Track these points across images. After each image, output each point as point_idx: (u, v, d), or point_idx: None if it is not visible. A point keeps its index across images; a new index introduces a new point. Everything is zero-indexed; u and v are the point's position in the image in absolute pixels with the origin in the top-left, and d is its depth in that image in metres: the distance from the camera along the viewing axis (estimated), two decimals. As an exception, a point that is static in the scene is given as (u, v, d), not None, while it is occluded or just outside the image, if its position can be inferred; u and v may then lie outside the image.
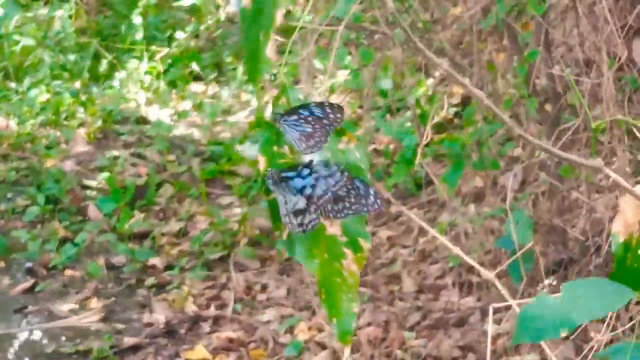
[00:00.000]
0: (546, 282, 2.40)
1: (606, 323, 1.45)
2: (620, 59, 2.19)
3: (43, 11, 5.38)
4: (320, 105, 1.11)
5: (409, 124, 4.17)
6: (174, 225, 3.86)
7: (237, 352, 3.10)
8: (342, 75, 4.67)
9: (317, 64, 4.56)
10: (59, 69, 5.03)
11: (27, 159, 4.33)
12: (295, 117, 1.11)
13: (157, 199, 4.04)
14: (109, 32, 5.36)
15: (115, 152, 4.41)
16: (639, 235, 1.08)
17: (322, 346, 3.03)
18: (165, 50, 5.15)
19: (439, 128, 3.98)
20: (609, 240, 2.26)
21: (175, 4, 5.43)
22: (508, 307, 1.14)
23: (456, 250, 1.21)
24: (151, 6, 5.37)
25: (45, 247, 3.71)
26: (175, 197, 4.07)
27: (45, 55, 5.04)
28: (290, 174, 1.08)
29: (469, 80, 2.79)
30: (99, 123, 4.66)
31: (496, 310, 2.72)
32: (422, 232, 3.52)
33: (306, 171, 1.07)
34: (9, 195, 4.08)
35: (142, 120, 4.76)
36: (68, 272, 3.61)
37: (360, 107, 4.45)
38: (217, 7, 5.30)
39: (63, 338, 3.21)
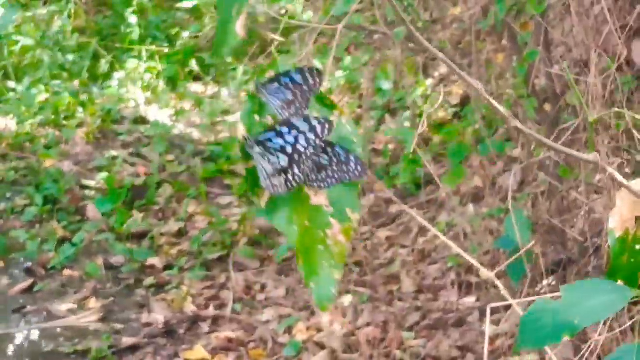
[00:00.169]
0: (545, 282, 2.40)
1: (605, 323, 1.45)
2: (619, 58, 2.19)
3: (42, 11, 5.37)
4: (300, 70, 1.11)
5: (408, 123, 4.17)
6: (173, 225, 3.86)
7: (236, 352, 3.10)
8: (342, 76, 4.67)
9: (317, 63, 4.56)
10: (58, 69, 5.02)
11: (26, 159, 4.32)
12: (276, 84, 1.11)
13: (156, 199, 4.04)
14: (108, 31, 5.36)
15: (114, 152, 4.41)
16: (635, 231, 1.08)
17: (321, 346, 3.03)
18: (165, 50, 5.14)
19: (438, 128, 3.98)
20: (607, 241, 2.26)
21: (176, 4, 5.43)
22: (507, 308, 1.13)
23: (458, 249, 1.20)
24: (149, 6, 5.37)
25: (44, 247, 3.71)
26: (174, 197, 4.06)
27: (44, 55, 5.03)
28: (269, 134, 1.07)
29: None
30: (98, 123, 4.66)
31: (495, 311, 2.72)
32: (421, 232, 3.52)
33: (285, 129, 1.06)
34: (8, 195, 4.08)
35: (141, 120, 4.75)
36: (67, 272, 3.61)
37: (360, 107, 4.45)
38: (216, 7, 5.30)
39: (61, 338, 3.21)
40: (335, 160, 1.07)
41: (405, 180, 3.75)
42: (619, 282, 1.06)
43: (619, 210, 1.11)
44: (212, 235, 3.73)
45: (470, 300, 3.13)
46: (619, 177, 1.11)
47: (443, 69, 4.07)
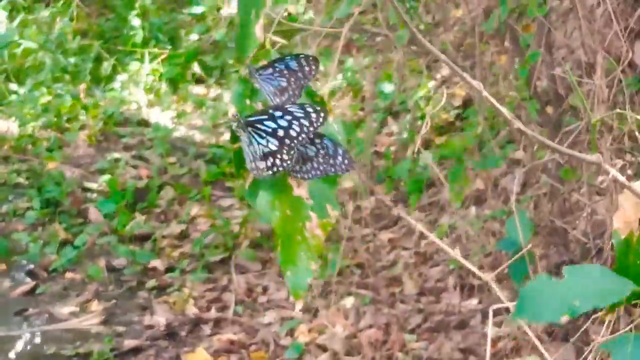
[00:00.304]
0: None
1: (606, 324, 1.45)
2: (623, 61, 2.19)
3: (44, 13, 5.38)
4: (296, 57, 1.10)
5: (409, 126, 4.16)
6: (175, 228, 3.86)
7: (238, 354, 3.10)
8: (343, 78, 4.67)
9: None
10: (60, 72, 5.03)
11: (28, 162, 4.32)
12: (270, 70, 1.10)
13: (158, 201, 4.04)
14: (111, 34, 5.37)
15: (116, 155, 4.41)
16: (639, 232, 1.08)
17: (323, 348, 3.03)
18: (167, 52, 5.15)
19: (441, 130, 3.98)
20: (610, 242, 2.26)
21: (183, 10, 5.44)
22: (509, 310, 1.13)
23: (453, 254, 1.20)
24: (151, 8, 5.37)
25: (46, 250, 3.71)
26: (176, 199, 4.06)
27: (46, 57, 5.04)
28: (261, 117, 1.06)
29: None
30: (100, 125, 4.66)
31: (497, 313, 2.72)
32: (423, 234, 3.51)
33: (279, 113, 1.05)
34: (10, 197, 4.08)
35: (144, 123, 4.76)
36: (69, 274, 3.61)
37: (362, 109, 4.45)
38: (218, 9, 5.30)
39: (63, 341, 3.21)
40: (322, 152, 1.06)
41: (402, 175, 3.75)
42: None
43: (623, 212, 1.11)
44: (214, 238, 3.73)
45: (472, 302, 3.13)
46: (622, 179, 1.11)
47: (445, 71, 4.07)
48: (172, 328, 3.25)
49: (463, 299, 3.15)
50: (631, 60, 2.26)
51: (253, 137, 1.04)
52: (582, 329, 1.62)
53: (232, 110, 1.08)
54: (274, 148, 1.04)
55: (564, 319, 0.98)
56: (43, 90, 4.81)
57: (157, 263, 3.64)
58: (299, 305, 1.09)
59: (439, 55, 1.14)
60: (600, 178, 2.56)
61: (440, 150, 3.79)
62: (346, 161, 1.06)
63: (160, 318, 3.29)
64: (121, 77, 5.07)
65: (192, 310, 3.34)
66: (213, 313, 3.32)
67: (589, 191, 2.50)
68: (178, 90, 5.03)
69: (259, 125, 1.05)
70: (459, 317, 3.08)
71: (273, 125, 1.04)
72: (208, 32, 5.27)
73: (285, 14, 4.71)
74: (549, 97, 2.68)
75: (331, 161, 1.06)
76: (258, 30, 1.08)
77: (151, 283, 3.53)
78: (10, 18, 5.26)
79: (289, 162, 1.04)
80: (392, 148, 4.08)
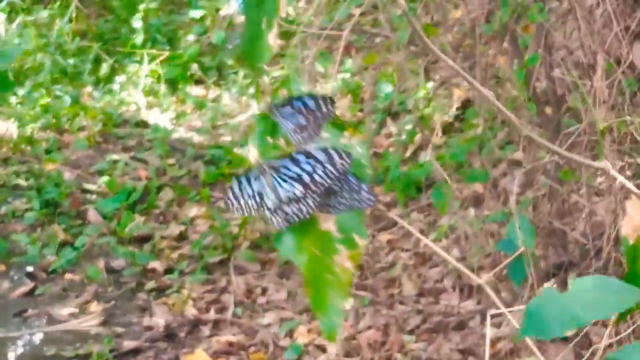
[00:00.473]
0: (546, 285, 2.40)
1: (608, 328, 1.44)
2: (625, 62, 2.19)
3: (43, 14, 5.37)
4: (313, 97, 1.10)
5: (408, 126, 4.17)
6: (174, 229, 3.86)
7: (237, 355, 3.10)
8: (343, 78, 4.67)
9: (319, 67, 4.56)
10: (59, 73, 5.03)
11: (27, 163, 4.32)
12: (289, 108, 1.10)
13: (157, 203, 4.04)
14: (110, 35, 5.36)
15: (115, 156, 4.41)
16: None
17: (322, 349, 3.03)
18: (166, 53, 5.14)
19: (438, 131, 3.97)
20: (609, 244, 2.26)
21: (182, 12, 5.44)
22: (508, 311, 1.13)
23: (447, 257, 1.20)
24: (151, 10, 5.37)
25: (45, 251, 3.71)
26: (175, 200, 4.06)
27: (45, 58, 5.04)
28: (285, 162, 1.06)
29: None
30: (99, 127, 4.66)
31: (496, 314, 2.71)
32: (422, 235, 3.51)
33: (303, 157, 1.05)
34: (9, 198, 4.08)
35: (143, 124, 4.76)
36: (68, 275, 3.61)
37: (361, 110, 4.45)
38: (217, 9, 5.30)
39: (63, 342, 3.21)
40: (346, 187, 1.06)
41: (395, 174, 3.74)
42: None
43: (631, 218, 1.11)
44: (213, 239, 3.73)
45: (471, 303, 3.13)
46: (630, 186, 1.11)
47: (444, 72, 4.06)
48: (171, 329, 3.25)
49: (462, 300, 3.15)
50: (631, 61, 2.26)
51: (277, 182, 1.04)
52: (583, 331, 1.62)
53: (254, 152, 1.08)
54: (298, 194, 1.04)
55: (571, 331, 0.98)
56: (42, 92, 4.81)
57: (156, 264, 3.64)
58: (334, 349, 1.09)
59: (446, 60, 1.14)
60: (599, 179, 2.56)
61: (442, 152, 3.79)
62: (370, 197, 1.07)
63: (159, 319, 3.29)
64: (120, 78, 5.07)
65: (191, 311, 3.34)
66: (212, 314, 3.32)
67: (587, 192, 2.50)
68: (177, 91, 5.03)
69: (283, 170, 1.05)
70: (458, 318, 3.08)
71: (297, 170, 1.05)
72: (206, 33, 5.26)
73: (284, 15, 4.71)
74: (547, 97, 2.68)
75: (355, 196, 1.06)
76: (271, 39, 1.07)
77: (150, 284, 3.53)
78: (9, 20, 5.26)
79: (314, 206, 1.04)
80: (391, 149, 4.08)
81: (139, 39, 5.22)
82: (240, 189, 1.06)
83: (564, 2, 2.57)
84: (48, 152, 4.41)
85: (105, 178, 4.18)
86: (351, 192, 1.06)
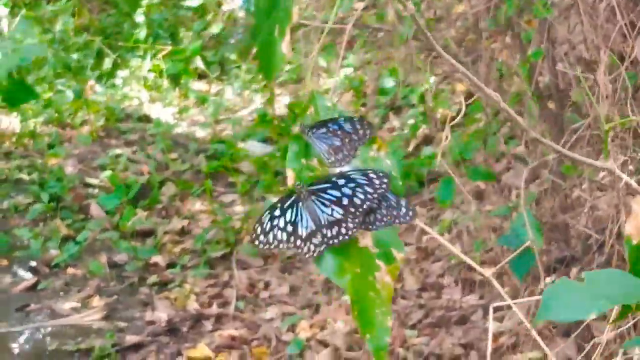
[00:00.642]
0: (548, 279, 2.40)
1: (609, 322, 1.44)
2: (629, 57, 2.18)
3: (46, 9, 5.37)
4: (350, 120, 1.11)
5: (411, 121, 4.16)
6: (177, 223, 3.86)
7: (239, 350, 3.10)
8: (346, 73, 4.67)
9: (321, 61, 4.56)
10: (62, 68, 5.03)
11: (30, 157, 4.33)
12: (324, 129, 1.10)
13: (159, 197, 4.04)
14: (112, 30, 5.36)
15: (117, 150, 4.41)
16: None
17: (324, 344, 3.03)
18: (169, 48, 5.14)
19: (442, 126, 3.97)
20: (611, 239, 2.26)
21: (181, 2, 5.44)
22: (510, 306, 1.13)
23: (455, 250, 1.20)
24: (154, 4, 5.37)
25: (48, 245, 3.71)
26: (177, 195, 4.06)
27: (48, 53, 5.04)
28: (324, 185, 1.06)
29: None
30: (102, 121, 4.66)
31: (498, 308, 2.72)
32: (424, 230, 3.51)
33: (342, 181, 1.05)
34: (12, 193, 4.08)
35: (145, 119, 4.76)
36: (70, 270, 3.61)
37: (364, 105, 4.45)
38: (219, 4, 5.30)
39: (65, 336, 3.21)
40: (385, 204, 1.06)
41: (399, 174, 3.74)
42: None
43: (635, 217, 1.10)
44: (216, 233, 3.73)
45: (473, 298, 3.13)
46: (635, 185, 1.11)
47: (447, 67, 4.06)
48: (174, 324, 3.25)
49: (464, 295, 3.15)
50: (634, 56, 2.26)
51: (317, 205, 1.05)
52: (584, 325, 1.62)
53: (290, 175, 1.07)
54: (339, 217, 1.04)
55: (590, 316, 0.98)
56: (45, 86, 4.81)
57: (159, 259, 3.64)
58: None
59: (449, 58, 1.14)
60: (601, 174, 2.56)
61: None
62: (410, 212, 1.07)
63: (161, 314, 3.29)
64: (123, 73, 5.07)
65: (193, 306, 3.34)
66: (214, 309, 3.32)
67: (590, 187, 2.50)
68: (179, 86, 5.03)
69: (322, 194, 1.05)
70: (460, 313, 3.08)
71: (337, 193, 1.05)
72: (207, 28, 5.26)
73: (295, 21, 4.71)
74: (550, 92, 2.68)
75: (394, 212, 1.07)
76: (284, 47, 1.06)
77: (152, 279, 3.53)
78: (12, 14, 5.26)
79: (355, 230, 1.05)
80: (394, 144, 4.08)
81: (141, 33, 5.22)
82: (272, 223, 1.05)
83: (566, -4, 2.56)
84: (50, 146, 4.41)
85: (107, 173, 4.18)
86: (389, 209, 1.06)
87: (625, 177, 1.12)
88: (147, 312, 3.34)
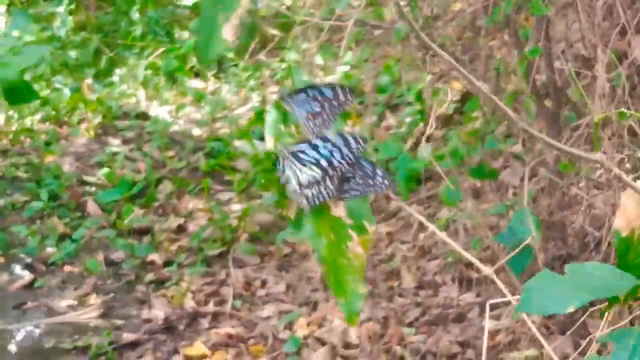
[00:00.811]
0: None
1: (605, 318, 1.44)
2: (625, 55, 2.18)
3: (43, 6, 5.37)
4: (330, 86, 1.11)
5: (408, 119, 4.16)
6: (173, 221, 3.86)
7: (236, 348, 3.10)
8: (343, 71, 4.67)
9: (319, 59, 4.56)
10: (60, 65, 5.03)
11: (27, 155, 4.32)
12: (303, 95, 1.11)
13: (156, 195, 4.03)
14: (109, 28, 5.36)
15: (114, 148, 4.41)
16: None
17: (322, 342, 3.03)
18: (166, 46, 5.14)
19: (439, 124, 3.97)
20: (608, 236, 2.26)
21: (177, 1, 5.44)
22: (507, 303, 1.13)
23: (456, 246, 1.20)
24: (150, 2, 5.37)
25: (45, 243, 3.71)
26: (174, 193, 4.06)
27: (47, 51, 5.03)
28: (303, 146, 1.07)
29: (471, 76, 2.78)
30: (99, 119, 4.66)
31: (495, 306, 2.72)
32: (421, 227, 3.51)
33: (320, 142, 1.06)
34: (9, 190, 4.08)
35: (142, 116, 4.76)
36: (67, 268, 3.61)
37: (361, 103, 4.44)
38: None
39: (62, 334, 3.21)
40: (360, 172, 1.07)
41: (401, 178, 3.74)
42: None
43: (624, 210, 1.11)
44: (212, 232, 3.73)
45: (470, 295, 3.13)
46: (625, 178, 1.11)
47: (444, 65, 4.06)
48: (170, 322, 3.25)
49: (461, 292, 3.15)
50: (631, 54, 2.26)
51: (297, 167, 1.06)
52: (581, 321, 1.62)
53: (269, 140, 1.09)
54: (318, 177, 1.05)
55: (569, 309, 0.98)
56: (42, 84, 4.81)
57: (156, 257, 3.64)
58: (354, 333, 1.11)
59: (443, 55, 1.14)
60: (598, 172, 2.56)
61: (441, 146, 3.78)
62: (386, 180, 1.08)
63: (158, 312, 3.29)
64: (120, 70, 5.07)
65: (190, 304, 3.34)
66: (211, 307, 3.32)
67: (587, 185, 2.50)
68: (176, 83, 5.03)
69: (301, 155, 1.06)
70: (457, 310, 3.08)
71: (316, 155, 1.06)
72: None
73: (284, 7, 4.71)
74: (547, 90, 2.68)
75: (370, 181, 1.07)
76: (228, 32, 1.07)
77: (149, 277, 3.53)
78: (9, 12, 5.25)
79: (333, 189, 1.06)
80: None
81: (138, 31, 5.22)
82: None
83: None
84: (47, 144, 4.41)
85: (104, 170, 4.18)
86: (366, 177, 1.07)
87: (615, 169, 1.12)
88: (144, 310, 3.33)
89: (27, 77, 4.84)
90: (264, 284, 3.44)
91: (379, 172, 1.08)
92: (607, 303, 1.11)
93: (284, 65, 4.84)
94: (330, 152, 1.06)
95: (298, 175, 1.06)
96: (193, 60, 5.13)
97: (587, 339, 1.41)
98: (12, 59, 1.77)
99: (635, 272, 1.07)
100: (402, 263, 3.36)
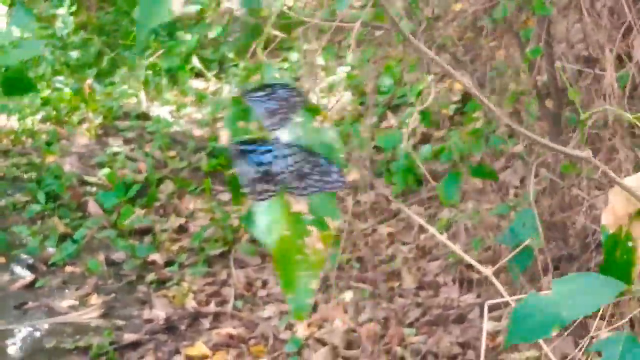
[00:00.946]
0: (546, 278, 2.40)
1: (606, 319, 1.44)
2: (627, 56, 2.18)
3: (44, 7, 5.37)
4: (284, 86, 1.12)
5: (409, 119, 4.16)
6: (175, 222, 3.86)
7: (237, 348, 3.10)
8: (343, 72, 4.67)
9: (320, 60, 4.56)
10: (60, 65, 5.03)
11: (28, 155, 4.32)
12: (262, 93, 1.12)
13: (157, 195, 4.03)
14: (110, 28, 5.36)
15: (115, 148, 4.41)
16: (627, 228, 1.08)
17: (322, 342, 3.03)
18: (167, 46, 5.14)
19: (440, 125, 3.97)
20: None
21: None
22: (507, 304, 1.13)
23: (455, 248, 1.20)
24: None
25: (45, 243, 3.71)
26: (175, 193, 4.06)
27: (46, 51, 5.03)
28: (250, 147, 1.08)
29: (471, 77, 2.79)
30: (100, 119, 4.66)
31: (495, 307, 2.72)
32: (422, 228, 3.51)
33: (263, 148, 1.07)
34: (9, 191, 4.08)
35: (143, 116, 4.76)
36: (68, 268, 3.61)
37: (362, 103, 4.44)
38: (218, 3, 5.30)
39: (63, 334, 3.21)
40: (317, 170, 1.08)
41: (399, 179, 3.75)
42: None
43: (612, 208, 1.11)
44: (214, 232, 3.73)
45: (471, 296, 3.13)
46: (612, 174, 1.11)
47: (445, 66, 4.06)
48: (172, 322, 3.25)
49: (462, 293, 3.15)
50: (631, 55, 2.26)
51: (245, 164, 1.07)
52: (581, 322, 1.62)
53: (225, 135, 1.11)
54: (260, 176, 1.07)
55: (553, 332, 0.99)
56: (43, 84, 4.81)
57: (157, 257, 3.64)
58: (301, 327, 1.11)
59: (431, 55, 1.14)
60: (599, 172, 2.56)
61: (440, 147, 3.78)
62: (339, 179, 1.08)
63: (159, 312, 3.29)
64: (121, 71, 5.07)
65: (191, 304, 3.34)
66: (212, 307, 3.32)
67: (588, 186, 2.50)
68: (177, 84, 5.03)
69: (250, 155, 1.07)
70: (458, 311, 3.08)
71: (259, 158, 1.08)
72: (206, 27, 5.26)
73: (286, 7, 4.70)
74: (548, 91, 2.68)
75: (326, 178, 1.08)
76: (175, 2, 1.06)
77: (150, 277, 3.53)
78: (10, 14, 5.25)
79: (273, 192, 1.07)
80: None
81: (139, 31, 5.22)
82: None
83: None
84: (48, 144, 4.41)
85: (105, 170, 4.18)
86: (321, 175, 1.08)
87: (602, 166, 1.12)
88: (145, 310, 3.34)
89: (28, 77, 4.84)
90: (265, 284, 3.44)
91: (334, 169, 1.08)
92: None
93: (286, 65, 4.84)
94: (273, 158, 1.07)
95: (246, 172, 1.07)
96: (194, 61, 5.13)
97: (587, 339, 1.41)
98: (10, 51, 1.76)
99: (623, 270, 1.07)
100: (403, 264, 3.36)
